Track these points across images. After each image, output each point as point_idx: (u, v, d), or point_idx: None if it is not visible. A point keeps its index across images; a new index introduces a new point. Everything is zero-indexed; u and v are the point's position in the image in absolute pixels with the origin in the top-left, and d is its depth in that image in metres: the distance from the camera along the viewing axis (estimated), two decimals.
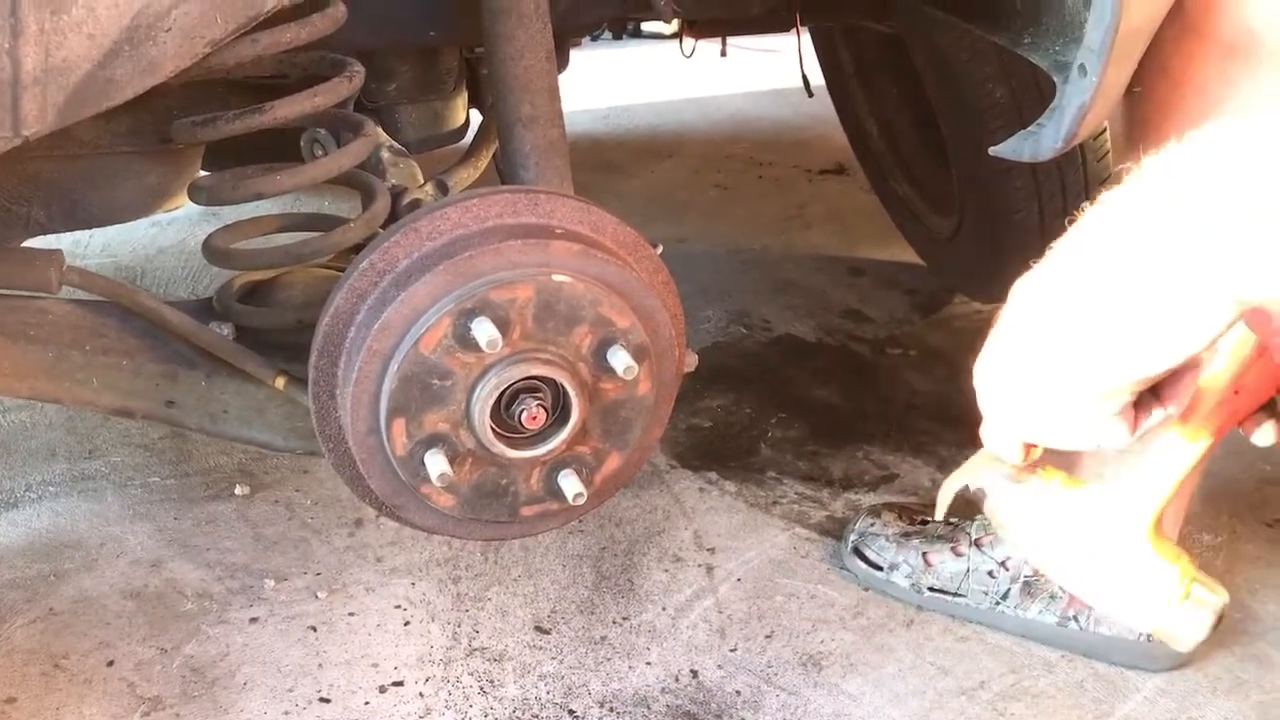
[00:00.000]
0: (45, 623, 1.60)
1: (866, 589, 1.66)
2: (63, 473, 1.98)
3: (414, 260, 1.09)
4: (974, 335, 2.68)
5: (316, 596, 1.66)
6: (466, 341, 1.05)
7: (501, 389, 1.07)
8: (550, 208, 1.14)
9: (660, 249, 1.22)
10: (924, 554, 1.62)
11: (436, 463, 1.08)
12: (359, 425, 1.09)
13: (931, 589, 1.60)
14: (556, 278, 1.06)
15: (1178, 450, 0.88)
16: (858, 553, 1.67)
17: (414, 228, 1.11)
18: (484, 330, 1.03)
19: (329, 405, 1.14)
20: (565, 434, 1.10)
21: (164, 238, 3.02)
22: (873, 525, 1.68)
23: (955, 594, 1.59)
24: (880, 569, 1.64)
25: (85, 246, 2.94)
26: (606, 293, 1.08)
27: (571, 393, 1.09)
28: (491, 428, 1.08)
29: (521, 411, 1.08)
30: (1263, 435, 0.89)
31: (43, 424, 2.12)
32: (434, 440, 1.08)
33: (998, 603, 1.56)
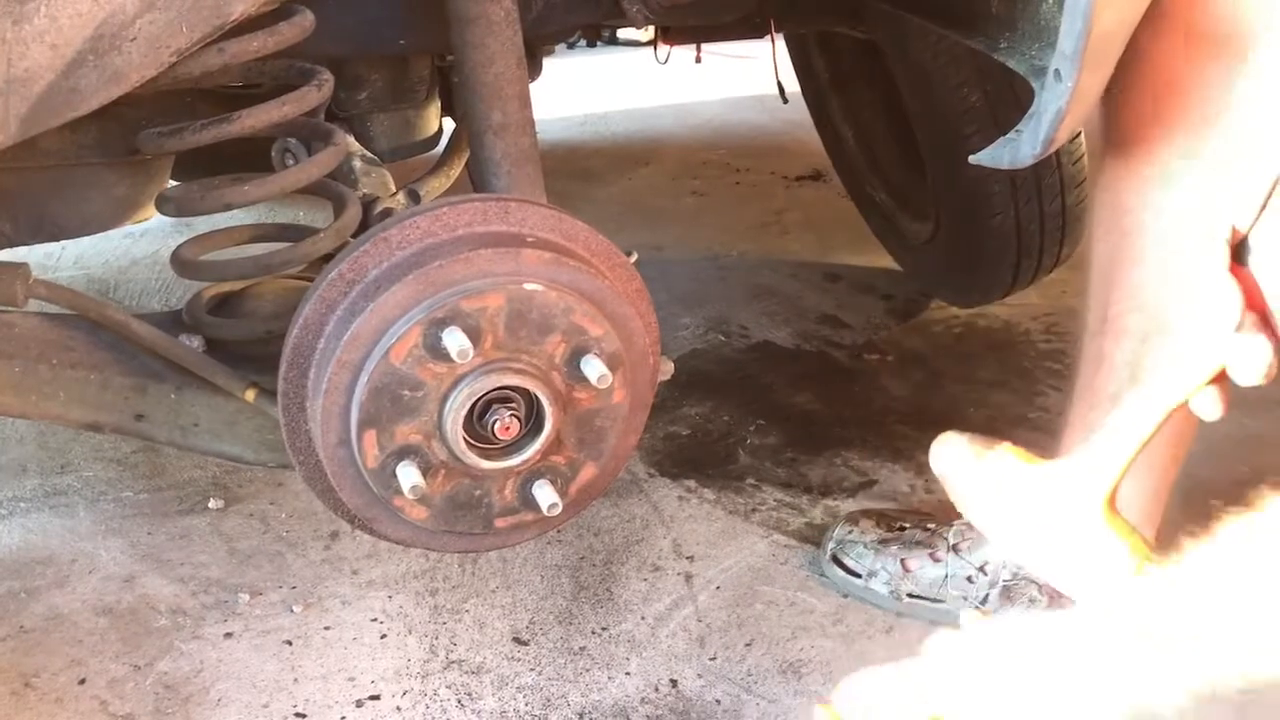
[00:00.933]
0: (16, 640, 1.58)
1: (846, 596, 1.66)
2: (34, 488, 1.95)
3: (383, 270, 1.08)
4: (951, 340, 2.67)
5: (292, 610, 1.64)
6: (437, 351, 1.03)
7: (474, 399, 1.05)
8: (521, 216, 1.13)
9: (634, 257, 1.21)
10: (902, 560, 1.61)
11: (409, 474, 1.06)
12: (329, 437, 1.07)
13: (911, 595, 1.60)
14: (528, 286, 1.05)
15: (1133, 424, 0.88)
16: (836, 560, 1.66)
17: (383, 237, 1.09)
18: (455, 340, 1.02)
19: (299, 417, 1.13)
20: (539, 444, 1.09)
21: (137, 249, 3.00)
22: (851, 532, 1.68)
23: (935, 600, 1.58)
24: (859, 576, 1.64)
25: (57, 258, 2.92)
26: (579, 301, 1.07)
27: (545, 402, 1.07)
28: (464, 439, 1.07)
29: (494, 422, 1.07)
30: (1207, 405, 0.88)
31: (13, 439, 2.10)
32: (406, 452, 1.07)
33: (977, 608, 1.55)
